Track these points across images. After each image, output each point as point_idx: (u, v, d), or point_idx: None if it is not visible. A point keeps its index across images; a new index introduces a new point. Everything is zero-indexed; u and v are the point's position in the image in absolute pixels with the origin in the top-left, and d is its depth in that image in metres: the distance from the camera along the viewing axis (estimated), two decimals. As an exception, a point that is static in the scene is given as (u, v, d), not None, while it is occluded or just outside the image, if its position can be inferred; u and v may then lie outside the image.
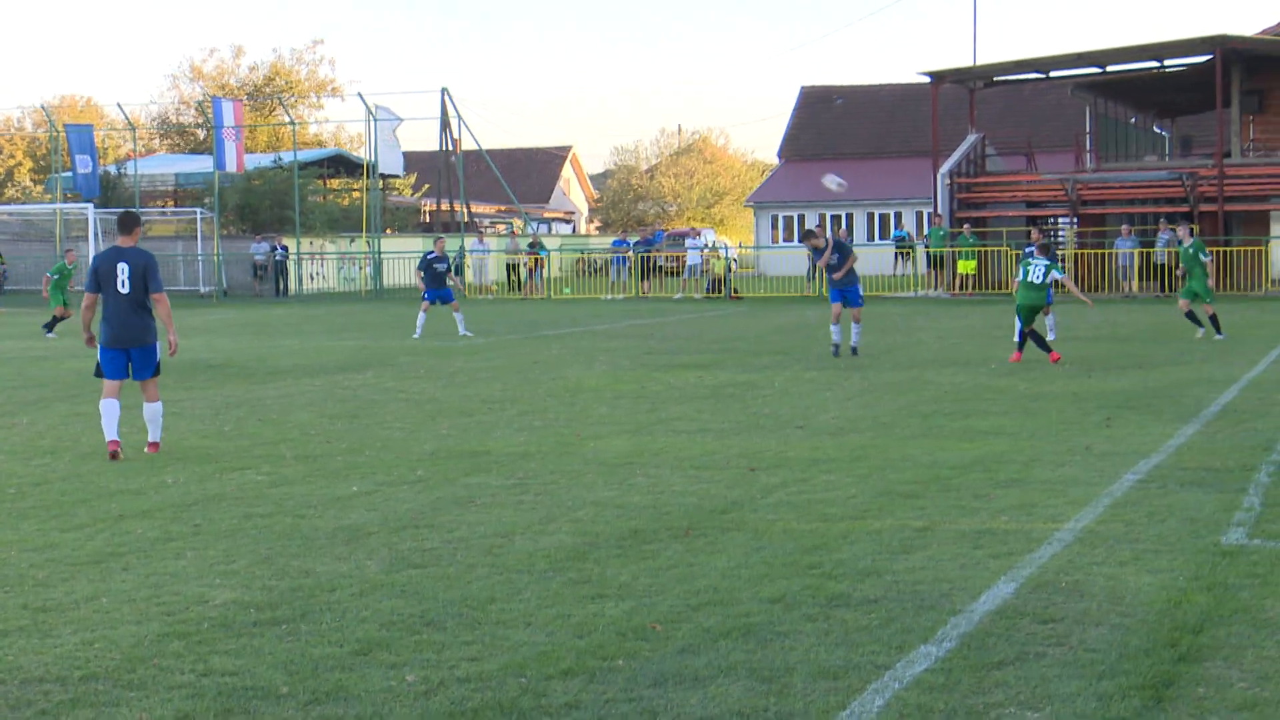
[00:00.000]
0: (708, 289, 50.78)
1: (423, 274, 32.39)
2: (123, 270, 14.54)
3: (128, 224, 14.93)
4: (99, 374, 14.76)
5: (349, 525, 10.72)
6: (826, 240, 26.21)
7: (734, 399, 18.98)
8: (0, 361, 26.47)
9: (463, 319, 32.34)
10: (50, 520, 11.07)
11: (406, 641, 7.62)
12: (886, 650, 7.35)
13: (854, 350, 25.08)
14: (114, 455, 14.28)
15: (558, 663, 7.20)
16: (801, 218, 76.75)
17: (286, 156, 68.43)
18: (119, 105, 74.48)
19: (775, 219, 79.52)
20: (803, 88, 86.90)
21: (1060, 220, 51.69)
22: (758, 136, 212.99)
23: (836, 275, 25.38)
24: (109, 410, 14.49)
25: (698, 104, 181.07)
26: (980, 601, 8.28)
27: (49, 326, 35.32)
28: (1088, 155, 57.58)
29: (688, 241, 54.55)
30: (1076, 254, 46.55)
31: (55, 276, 37.09)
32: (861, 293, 25.59)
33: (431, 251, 33.01)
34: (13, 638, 7.78)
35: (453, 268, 32.94)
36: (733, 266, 53.08)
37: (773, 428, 16.04)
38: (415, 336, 31.41)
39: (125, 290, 14.53)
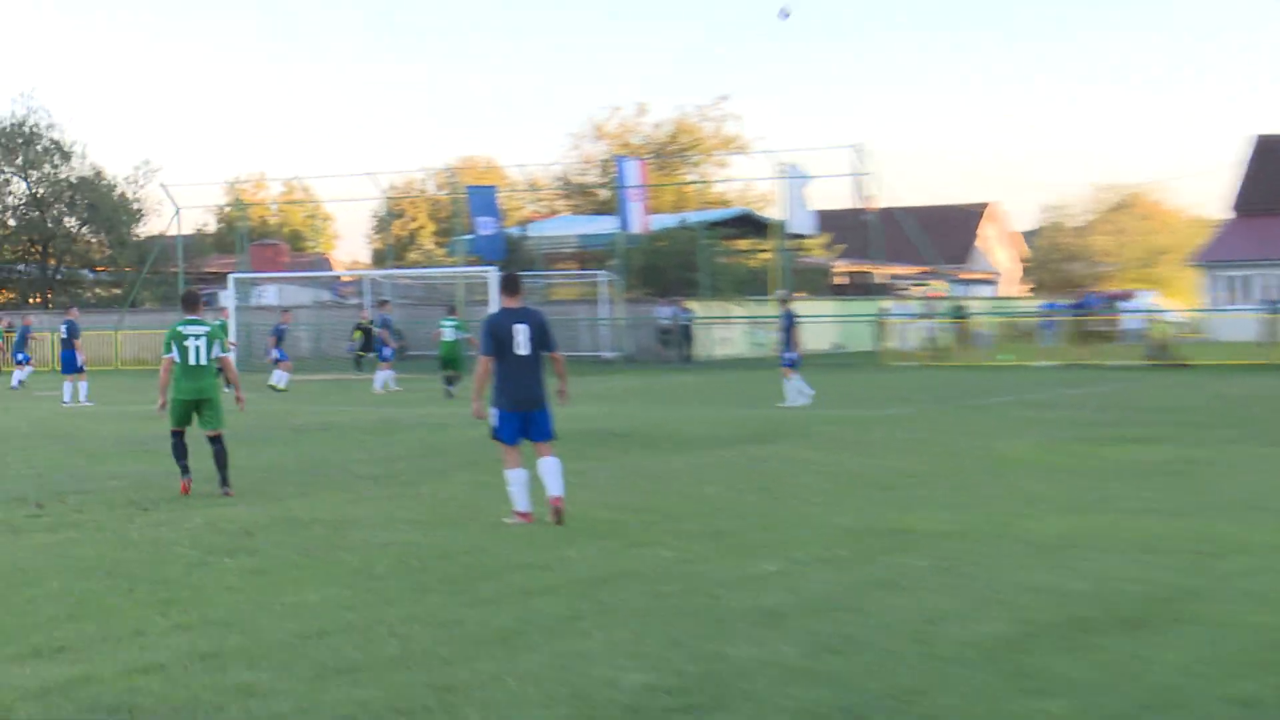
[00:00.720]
0: (1148, 355, 49.38)
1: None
2: (521, 331, 14.98)
3: (515, 285, 15.42)
4: (495, 436, 15.20)
5: (764, 606, 10.66)
6: None
7: (1182, 475, 18.31)
8: (402, 429, 27.52)
9: (793, 388, 32.27)
10: (454, 595, 11.33)
11: (829, 735, 7.50)
12: (1378, 764, 6.88)
13: None
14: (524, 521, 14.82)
15: (997, 764, 6.97)
16: (1257, 278, 74.09)
17: (692, 217, 69.62)
18: (521, 166, 77.09)
19: (1225, 279, 76.93)
20: (1256, 136, 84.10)
21: None
22: (1200, 190, 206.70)
23: None
24: (517, 479, 14.96)
25: (1133, 156, 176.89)
26: None
27: (451, 382, 36.99)
28: None
29: (1123, 304, 53.17)
30: None
31: (455, 323, 38.67)
32: None
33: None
34: (418, 717, 7.95)
35: (793, 325, 32.77)
36: (1176, 331, 51.50)
37: (1229, 508, 15.37)
38: (785, 405, 31.68)
39: (525, 352, 14.96)
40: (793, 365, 32.61)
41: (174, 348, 17.89)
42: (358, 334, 51.62)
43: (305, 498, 17.43)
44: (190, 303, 18.60)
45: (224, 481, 17.89)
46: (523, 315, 15.15)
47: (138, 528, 15.25)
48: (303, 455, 22.71)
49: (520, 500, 14.99)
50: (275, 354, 43.42)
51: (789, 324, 32.91)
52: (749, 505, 16.16)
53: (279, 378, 42.50)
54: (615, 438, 24.61)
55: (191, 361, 17.87)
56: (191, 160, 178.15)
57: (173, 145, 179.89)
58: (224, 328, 41.49)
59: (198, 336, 17.95)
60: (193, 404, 17.98)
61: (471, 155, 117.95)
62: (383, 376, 41.53)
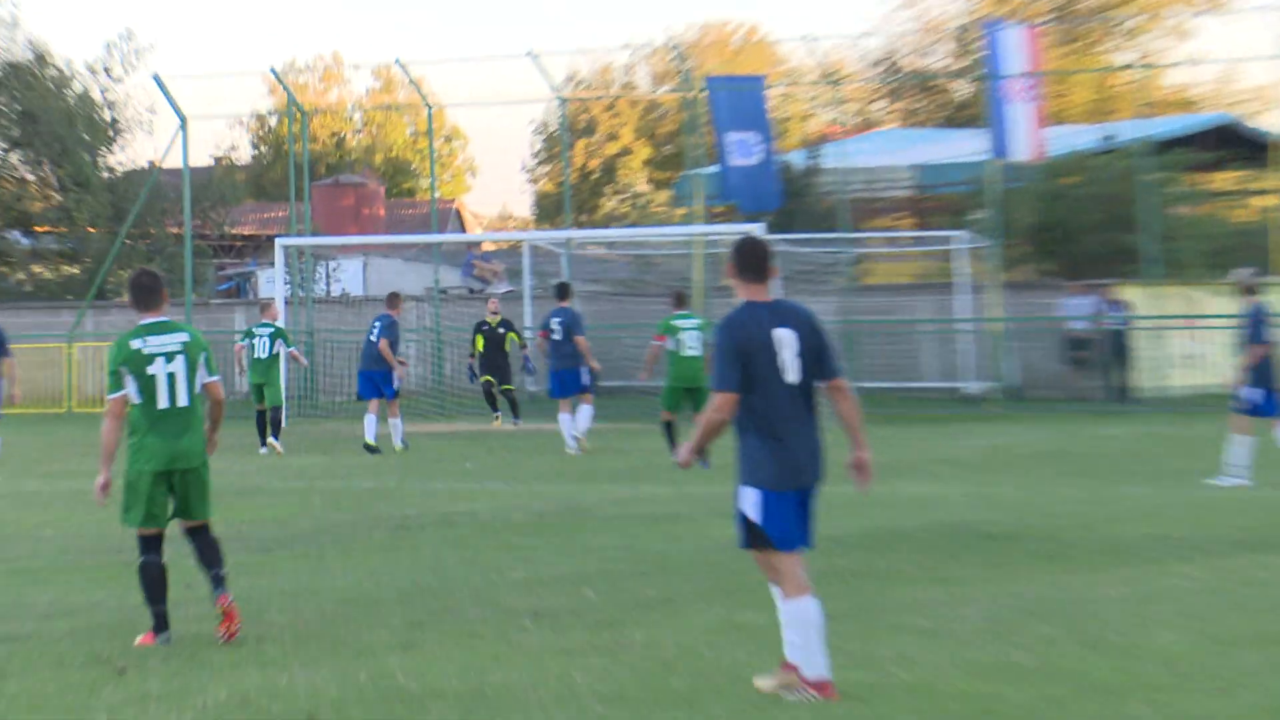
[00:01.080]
0: None
1: None
2: (787, 343, 14.89)
3: (762, 262, 15.13)
4: (754, 543, 15.07)
5: None
6: None
7: None
8: (592, 524, 27.35)
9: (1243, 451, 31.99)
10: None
11: None
12: None
13: None
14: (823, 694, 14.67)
15: None
16: None
17: (1126, 129, 69.02)
18: (807, 40, 77.22)
19: None
20: None
21: None
22: None
23: None
24: (804, 619, 14.73)
25: None
26: None
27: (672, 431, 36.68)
28: None
29: None
30: None
31: (696, 324, 38.05)
32: None
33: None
34: None
35: (1261, 332, 31.98)
36: None
37: None
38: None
39: (794, 378, 14.89)
40: (1257, 411, 31.70)
41: (128, 380, 17.70)
42: (480, 342, 50.09)
43: (414, 650, 17.52)
44: (145, 294, 18.25)
45: (218, 583, 17.73)
46: (784, 315, 15.09)
47: (107, 705, 15.37)
48: (411, 571, 22.91)
49: (813, 660, 14.83)
50: (396, 382, 43.42)
51: (1255, 329, 31.94)
52: (1242, 667, 16.02)
53: (398, 432, 42.90)
54: (988, 541, 24.59)
55: (162, 403, 17.67)
56: (208, 35, 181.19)
57: (173, 9, 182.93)
58: (280, 334, 42.15)
59: (169, 355, 17.71)
60: (167, 479, 17.76)
61: (716, 21, 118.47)
62: (585, 417, 41.54)
